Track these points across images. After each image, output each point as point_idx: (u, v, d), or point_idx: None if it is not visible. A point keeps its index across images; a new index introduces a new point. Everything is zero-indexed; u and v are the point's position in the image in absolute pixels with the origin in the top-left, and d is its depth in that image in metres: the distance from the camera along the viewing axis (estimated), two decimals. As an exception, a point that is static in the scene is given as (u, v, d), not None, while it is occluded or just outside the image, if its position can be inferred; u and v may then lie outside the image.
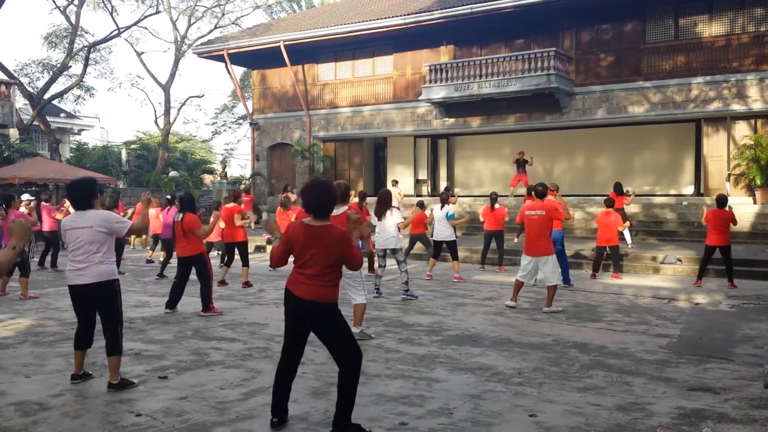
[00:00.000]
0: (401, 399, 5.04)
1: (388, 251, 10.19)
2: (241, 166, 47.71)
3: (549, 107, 20.05)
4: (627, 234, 15.06)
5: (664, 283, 11.72)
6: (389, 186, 20.85)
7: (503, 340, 7.15)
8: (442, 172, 24.77)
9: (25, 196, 15.49)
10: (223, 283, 11.41)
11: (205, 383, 5.47)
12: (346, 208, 7.08)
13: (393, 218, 9.82)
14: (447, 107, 21.61)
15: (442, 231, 12.19)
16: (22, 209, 13.75)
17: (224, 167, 32.09)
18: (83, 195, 5.32)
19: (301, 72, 24.71)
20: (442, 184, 23.32)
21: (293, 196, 17.06)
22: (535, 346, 6.82)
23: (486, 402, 4.98)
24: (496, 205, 13.70)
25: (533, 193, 9.37)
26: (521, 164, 20.56)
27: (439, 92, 20.75)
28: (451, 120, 22.01)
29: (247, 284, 11.28)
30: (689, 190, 20.46)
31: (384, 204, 9.83)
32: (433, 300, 9.89)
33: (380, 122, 23.37)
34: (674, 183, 21.18)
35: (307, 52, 24.10)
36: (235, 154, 55.25)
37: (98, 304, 5.35)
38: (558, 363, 6.14)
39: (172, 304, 8.92)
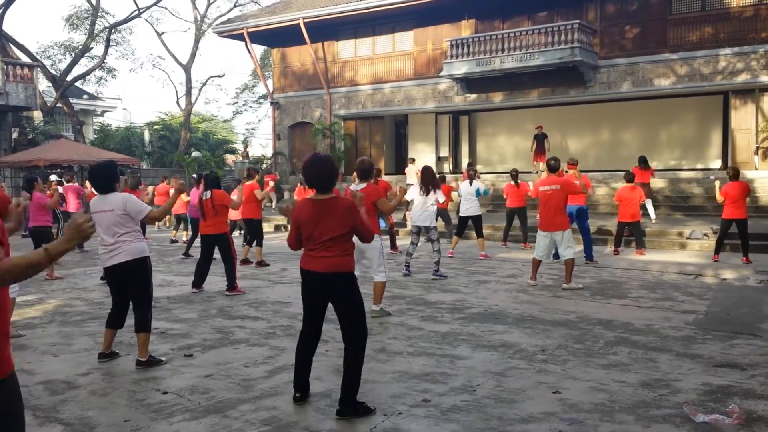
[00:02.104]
0: (424, 376, 5.04)
1: (422, 229, 10.13)
2: (262, 146, 47.83)
3: (573, 81, 19.74)
4: (651, 209, 14.86)
5: (690, 259, 11.56)
6: (408, 164, 20.81)
7: (526, 317, 7.12)
8: (464, 149, 24.59)
9: (53, 177, 15.70)
10: (246, 261, 11.48)
11: (229, 361, 5.53)
12: (365, 184, 7.04)
13: (434, 196, 9.75)
14: (469, 83, 21.38)
15: (468, 207, 12.13)
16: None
17: (246, 147, 32.24)
18: (104, 179, 5.43)
19: (321, 50, 24.58)
20: (464, 161, 23.16)
21: None
22: (559, 324, 6.78)
23: (509, 379, 4.97)
24: (519, 181, 13.58)
25: (547, 167, 9.28)
26: (541, 139, 20.25)
27: (461, 68, 20.51)
28: (473, 96, 21.78)
29: (261, 263, 11.31)
30: (716, 164, 20.10)
31: (431, 180, 9.76)
32: (456, 278, 9.87)
33: (401, 99, 23.22)
34: (701, 157, 20.81)
35: (326, 30, 23.94)
36: (256, 134, 55.46)
37: (131, 282, 5.46)
38: (582, 340, 6.09)
39: (198, 283, 9.01)
